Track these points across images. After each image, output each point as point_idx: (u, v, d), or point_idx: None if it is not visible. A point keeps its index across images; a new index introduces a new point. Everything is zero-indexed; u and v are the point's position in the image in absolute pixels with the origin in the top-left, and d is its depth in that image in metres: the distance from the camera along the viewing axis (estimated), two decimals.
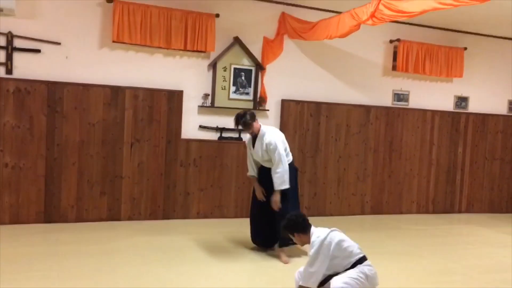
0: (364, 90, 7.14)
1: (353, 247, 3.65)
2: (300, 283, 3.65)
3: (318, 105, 6.82)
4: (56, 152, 5.60)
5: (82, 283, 3.86)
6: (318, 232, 3.64)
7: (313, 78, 6.83)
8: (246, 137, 5.12)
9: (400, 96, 7.33)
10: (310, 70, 6.81)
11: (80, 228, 5.47)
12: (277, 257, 4.81)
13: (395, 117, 7.29)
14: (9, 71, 5.37)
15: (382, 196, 7.29)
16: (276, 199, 4.72)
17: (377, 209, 7.26)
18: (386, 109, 7.24)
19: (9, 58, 5.35)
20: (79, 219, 5.72)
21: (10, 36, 5.33)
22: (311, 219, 6.55)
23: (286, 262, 4.73)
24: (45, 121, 5.53)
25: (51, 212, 5.62)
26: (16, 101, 5.41)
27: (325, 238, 3.58)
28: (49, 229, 5.41)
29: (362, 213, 7.16)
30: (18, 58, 5.43)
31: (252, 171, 5.03)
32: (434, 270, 4.74)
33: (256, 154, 4.89)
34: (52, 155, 5.59)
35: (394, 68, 7.19)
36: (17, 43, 5.39)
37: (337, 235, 3.64)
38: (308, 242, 3.68)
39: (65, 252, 4.59)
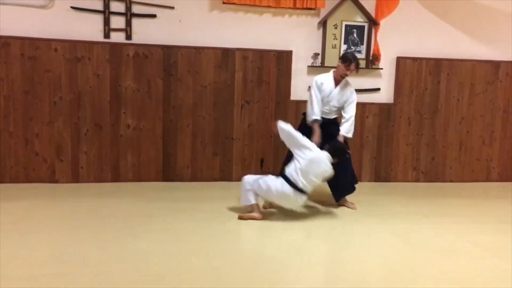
0: (491, 43, 6.39)
1: None
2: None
3: (438, 62, 6.27)
4: (172, 114, 5.85)
5: (196, 238, 4.00)
6: None
7: (432, 32, 6.26)
8: (316, 81, 4.89)
9: None
10: (428, 23, 6.24)
11: (195, 187, 5.69)
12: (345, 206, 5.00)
13: None
14: (128, 36, 5.65)
15: (511, 161, 6.58)
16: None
17: (506, 176, 6.58)
18: None
19: (128, 24, 5.62)
20: (194, 178, 5.96)
21: (128, 2, 5.59)
22: (427, 185, 6.26)
23: (355, 208, 4.93)
24: (161, 84, 5.78)
25: (169, 172, 5.92)
26: (135, 65, 5.70)
27: None
28: (167, 187, 5.71)
29: (488, 180, 6.54)
30: (136, 24, 5.68)
31: (319, 115, 4.81)
32: None
33: (332, 99, 4.80)
34: (168, 117, 5.84)
35: None
36: (135, 9, 5.64)
37: None
38: None
39: (182, 209, 4.79)
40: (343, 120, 4.86)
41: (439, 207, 5.24)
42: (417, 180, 6.41)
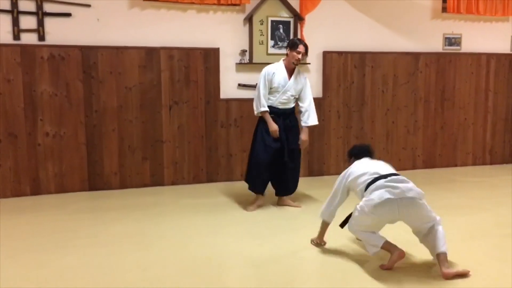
0: (411, 36, 6.63)
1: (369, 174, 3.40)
2: (319, 216, 3.69)
3: (362, 55, 6.40)
4: (95, 119, 5.49)
5: (130, 247, 3.75)
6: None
7: (356, 26, 6.38)
8: (266, 72, 4.72)
9: (451, 40, 6.78)
10: (352, 18, 6.35)
11: (125, 195, 5.39)
12: (286, 205, 4.91)
13: (447, 63, 6.76)
14: (41, 37, 5.23)
15: (434, 149, 6.87)
16: (306, 138, 4.77)
17: (430, 163, 6.86)
18: (437, 55, 6.72)
19: (41, 23, 5.20)
20: (123, 185, 5.64)
21: (39, 1, 5.16)
22: None
23: (299, 206, 4.87)
24: (81, 87, 5.40)
25: (95, 180, 5.56)
26: (51, 68, 5.28)
27: (347, 170, 3.58)
28: (94, 196, 5.36)
29: (414, 167, 6.78)
30: (50, 24, 5.27)
31: (265, 105, 4.65)
32: (501, 222, 4.37)
33: (289, 89, 4.70)
34: (91, 122, 5.48)
35: (444, 10, 6.62)
36: (47, 7, 5.22)
37: (359, 168, 3.49)
38: None
39: (112, 219, 4.51)
40: (303, 110, 4.76)
41: None
42: None
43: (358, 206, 3.37)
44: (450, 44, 6.78)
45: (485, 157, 7.10)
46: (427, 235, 3.33)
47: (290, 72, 4.73)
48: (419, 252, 3.51)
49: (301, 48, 4.62)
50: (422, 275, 3.24)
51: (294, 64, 4.68)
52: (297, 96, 4.80)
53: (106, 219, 4.50)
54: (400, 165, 6.70)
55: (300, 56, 4.65)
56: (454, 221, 4.39)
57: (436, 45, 6.75)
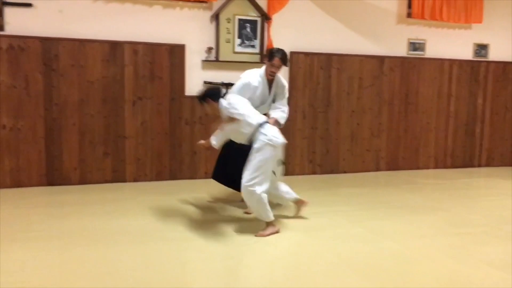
0: (377, 39, 6.73)
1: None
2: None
3: (328, 57, 6.45)
4: (55, 112, 5.36)
5: (82, 242, 3.66)
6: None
7: (322, 28, 6.43)
8: (250, 82, 4.36)
9: (415, 45, 6.91)
10: (319, 20, 6.41)
11: (84, 190, 5.27)
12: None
13: (411, 68, 6.89)
14: (0, 27, 5.07)
15: (397, 151, 6.98)
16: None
17: (393, 165, 6.96)
18: (401, 59, 6.84)
19: (0, 13, 5.05)
20: (83, 181, 5.52)
21: None
22: (323, 177, 6.40)
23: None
24: (41, 79, 5.27)
25: (53, 175, 5.42)
26: (10, 59, 5.14)
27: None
28: (51, 191, 5.22)
29: (377, 169, 6.87)
30: (10, 14, 5.13)
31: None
32: (457, 222, 4.46)
33: (269, 99, 4.47)
34: (51, 115, 5.35)
35: (409, 15, 6.75)
36: None
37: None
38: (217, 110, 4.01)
39: (67, 213, 4.39)
40: (277, 109, 4.47)
41: (334, 196, 5.38)
42: (313, 172, 6.54)
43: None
44: (415, 49, 6.91)
45: (446, 161, 7.25)
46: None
47: (270, 83, 4.45)
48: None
49: (276, 61, 4.28)
50: None
51: (271, 76, 4.39)
52: (269, 102, 4.53)
53: (61, 213, 4.38)
54: (364, 167, 6.80)
55: (274, 69, 4.34)
56: (411, 219, 4.47)
57: (400, 50, 6.87)
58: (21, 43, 5.16)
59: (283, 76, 6.20)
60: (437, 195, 5.55)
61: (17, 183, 5.28)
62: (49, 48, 5.26)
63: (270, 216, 3.92)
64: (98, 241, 3.69)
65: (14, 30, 5.15)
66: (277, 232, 3.95)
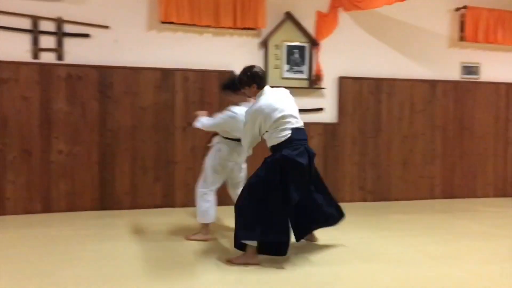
0: (428, 64, 6.58)
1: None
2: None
3: (378, 81, 6.35)
4: (108, 138, 5.51)
5: (127, 263, 3.66)
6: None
7: (371, 53, 6.37)
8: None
9: (469, 69, 6.70)
10: (368, 44, 6.36)
11: (135, 215, 5.32)
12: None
13: (465, 92, 6.67)
14: (60, 57, 5.33)
15: (453, 178, 6.68)
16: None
17: (448, 193, 6.66)
18: (454, 83, 6.63)
19: (60, 43, 5.32)
20: (134, 205, 5.59)
21: (60, 22, 5.30)
22: (374, 204, 6.20)
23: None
24: (97, 106, 5.46)
25: (106, 199, 5.52)
26: (68, 87, 5.37)
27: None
28: (104, 215, 5.30)
29: (432, 197, 6.59)
30: (68, 44, 5.39)
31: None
32: None
33: None
34: (105, 141, 5.50)
35: (461, 38, 6.59)
36: (67, 28, 5.36)
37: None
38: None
39: (118, 236, 4.43)
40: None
41: (386, 222, 5.18)
42: (364, 199, 6.35)
43: None
44: (468, 72, 6.70)
45: (507, 189, 6.86)
46: None
47: None
48: None
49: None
50: None
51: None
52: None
53: (112, 236, 4.43)
54: (417, 194, 6.55)
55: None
56: (471, 245, 4.22)
57: (453, 74, 6.67)
58: (79, 72, 5.39)
59: (331, 101, 6.20)
60: (499, 222, 5.23)
61: (72, 207, 5.41)
62: (104, 76, 5.46)
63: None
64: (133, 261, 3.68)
65: (72, 59, 5.39)
66: (206, 240, 4.24)
